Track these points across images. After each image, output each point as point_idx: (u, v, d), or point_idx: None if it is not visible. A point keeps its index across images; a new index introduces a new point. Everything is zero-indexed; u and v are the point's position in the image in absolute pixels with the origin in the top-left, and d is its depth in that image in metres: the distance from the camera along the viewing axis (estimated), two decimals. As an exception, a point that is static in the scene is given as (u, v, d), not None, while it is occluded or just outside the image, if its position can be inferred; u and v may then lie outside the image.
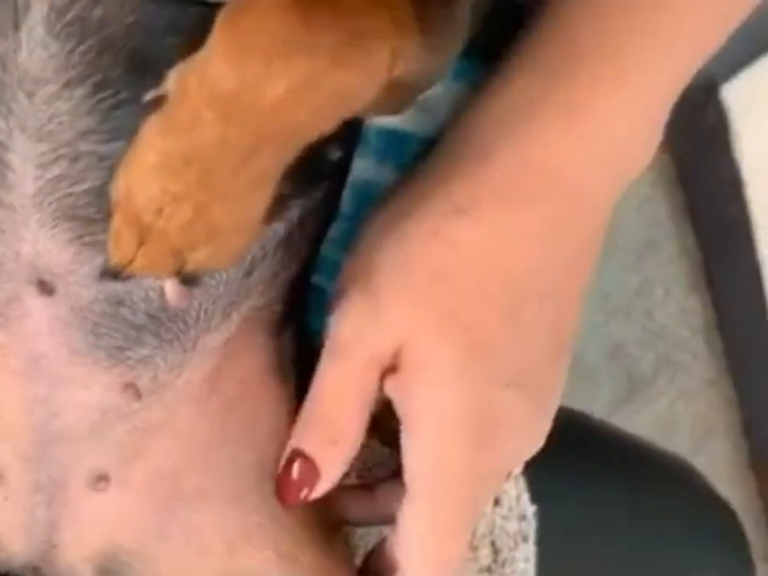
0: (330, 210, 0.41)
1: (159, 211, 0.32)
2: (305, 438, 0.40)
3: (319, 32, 0.30)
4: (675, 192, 1.14)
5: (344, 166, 0.41)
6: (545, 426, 0.42)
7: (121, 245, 0.33)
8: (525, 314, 0.40)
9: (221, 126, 0.31)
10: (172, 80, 0.31)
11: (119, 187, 0.32)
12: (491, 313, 0.39)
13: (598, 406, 1.20)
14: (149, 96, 0.32)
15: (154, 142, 0.31)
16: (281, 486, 0.40)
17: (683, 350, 1.23)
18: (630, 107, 0.40)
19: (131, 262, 0.33)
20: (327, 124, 0.32)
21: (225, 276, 0.38)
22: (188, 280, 0.34)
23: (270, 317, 0.41)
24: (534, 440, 0.42)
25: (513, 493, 0.49)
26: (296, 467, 0.40)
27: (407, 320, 0.39)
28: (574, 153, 0.40)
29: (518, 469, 0.46)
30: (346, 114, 0.32)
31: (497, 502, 0.49)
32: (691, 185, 1.12)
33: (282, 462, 0.40)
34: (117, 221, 0.33)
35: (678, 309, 1.21)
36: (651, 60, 0.40)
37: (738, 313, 1.19)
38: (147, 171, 0.32)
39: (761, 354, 1.19)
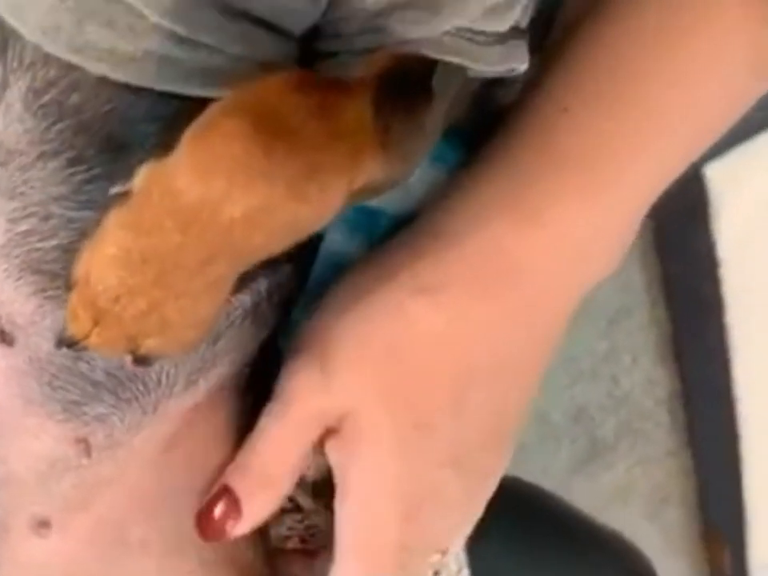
0: (298, 282, 0.42)
1: (115, 299, 0.33)
2: (237, 478, 0.41)
3: (278, 163, 0.31)
4: (651, 262, 1.15)
5: (314, 242, 0.42)
6: (475, 508, 0.43)
7: (77, 322, 0.34)
8: (470, 400, 0.41)
9: (179, 235, 0.32)
10: (140, 177, 0.32)
11: (79, 269, 0.33)
12: (438, 394, 0.40)
13: (558, 467, 1.20)
14: (114, 190, 0.32)
15: (115, 235, 0.32)
16: (202, 519, 0.41)
17: (646, 418, 1.23)
18: (602, 216, 0.41)
19: (86, 337, 0.34)
20: (281, 245, 0.33)
21: None
22: (141, 361, 0.35)
23: (237, 381, 0.42)
24: (464, 519, 0.43)
25: (453, 567, 0.50)
26: (221, 504, 0.40)
27: (356, 390, 0.40)
28: (543, 249, 0.41)
29: (458, 546, 0.47)
30: (299, 237, 0.34)
31: (436, 575, 0.49)
32: (667, 257, 1.13)
33: (209, 496, 0.41)
34: (74, 300, 0.34)
35: (643, 378, 1.22)
36: (630, 174, 0.41)
37: (703, 387, 1.20)
38: (106, 261, 0.32)
39: (721, 430, 1.19)
